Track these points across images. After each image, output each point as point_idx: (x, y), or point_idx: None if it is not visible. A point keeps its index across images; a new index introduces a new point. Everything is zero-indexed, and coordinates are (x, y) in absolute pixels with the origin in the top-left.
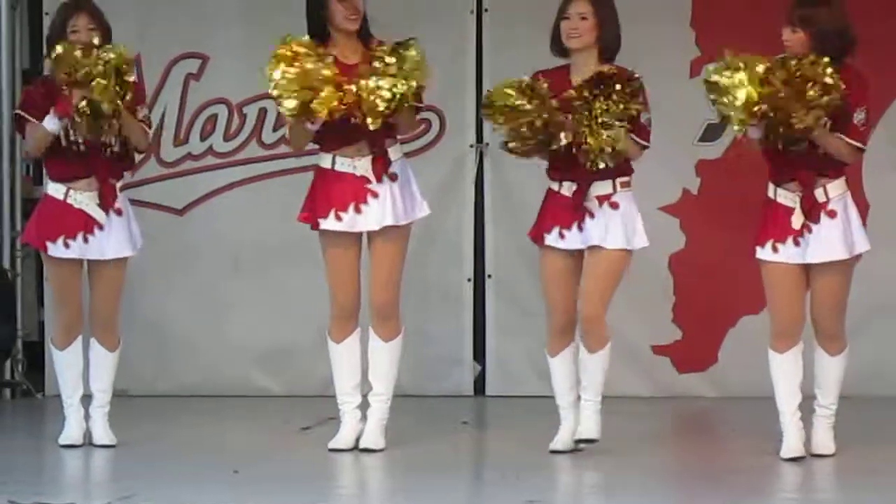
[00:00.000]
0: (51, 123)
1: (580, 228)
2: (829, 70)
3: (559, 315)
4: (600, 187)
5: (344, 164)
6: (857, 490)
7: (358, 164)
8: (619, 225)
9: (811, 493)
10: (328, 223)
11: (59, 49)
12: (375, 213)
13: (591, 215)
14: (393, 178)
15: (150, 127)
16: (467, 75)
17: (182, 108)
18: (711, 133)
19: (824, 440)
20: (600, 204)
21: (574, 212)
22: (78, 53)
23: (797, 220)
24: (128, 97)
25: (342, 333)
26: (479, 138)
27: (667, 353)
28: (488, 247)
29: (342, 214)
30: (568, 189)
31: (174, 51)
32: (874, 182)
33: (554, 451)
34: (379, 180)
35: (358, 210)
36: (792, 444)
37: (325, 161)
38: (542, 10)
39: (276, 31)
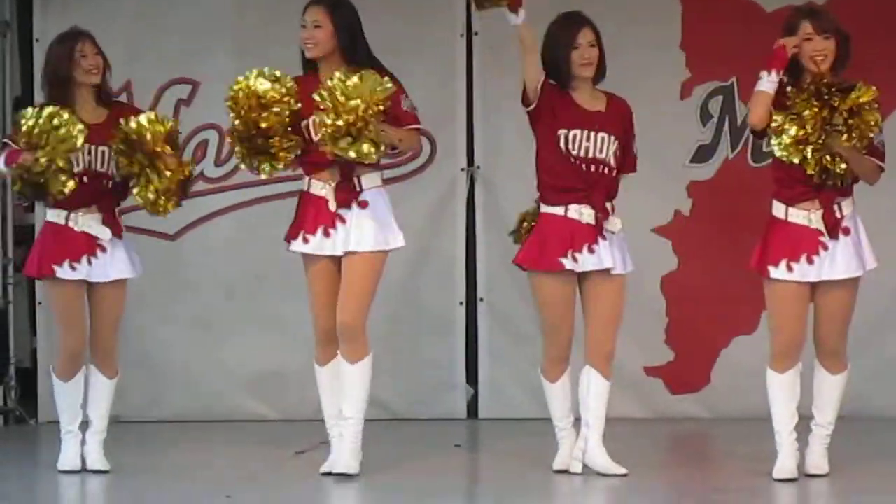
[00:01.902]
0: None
1: (591, 251)
2: (873, 104)
3: (564, 341)
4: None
5: (317, 188)
6: None
7: (328, 188)
8: (618, 250)
9: None
10: (296, 245)
11: (27, 112)
12: (341, 239)
13: (604, 238)
14: (362, 205)
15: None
16: (458, 99)
17: None
18: (703, 154)
19: (819, 461)
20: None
21: (585, 235)
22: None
23: (825, 238)
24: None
25: (326, 357)
26: (471, 162)
27: (659, 375)
28: (480, 270)
29: (309, 237)
30: (576, 212)
31: (165, 76)
32: (863, 201)
33: (558, 472)
34: (342, 206)
35: (326, 234)
36: (786, 465)
37: (304, 184)
38: None
39: (266, 58)
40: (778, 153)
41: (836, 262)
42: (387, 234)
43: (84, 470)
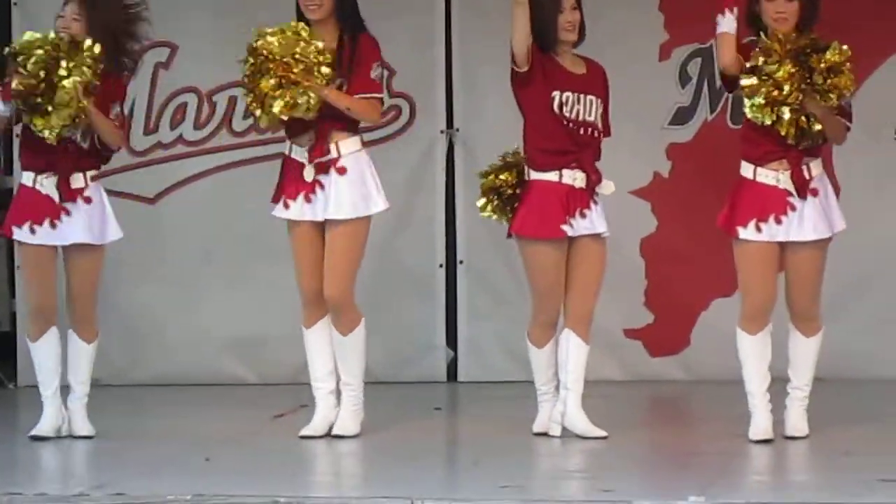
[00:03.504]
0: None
1: (583, 216)
2: (848, 63)
3: (555, 306)
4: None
5: (297, 153)
6: (829, 471)
7: (306, 154)
8: (600, 213)
9: (783, 474)
10: (278, 210)
11: (24, 36)
12: (321, 205)
13: (596, 203)
14: (340, 171)
15: (122, 125)
16: (437, 62)
17: (151, 97)
18: (682, 116)
19: (798, 422)
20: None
21: (578, 200)
22: (37, 44)
23: (793, 199)
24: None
25: (311, 319)
26: (450, 124)
27: (639, 337)
28: (460, 233)
29: (290, 203)
30: (570, 178)
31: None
32: (844, 166)
33: (538, 434)
34: (320, 172)
35: (307, 199)
36: (761, 426)
37: (286, 148)
38: None
39: (245, 20)
40: (750, 115)
41: (805, 223)
42: (367, 198)
43: (67, 436)
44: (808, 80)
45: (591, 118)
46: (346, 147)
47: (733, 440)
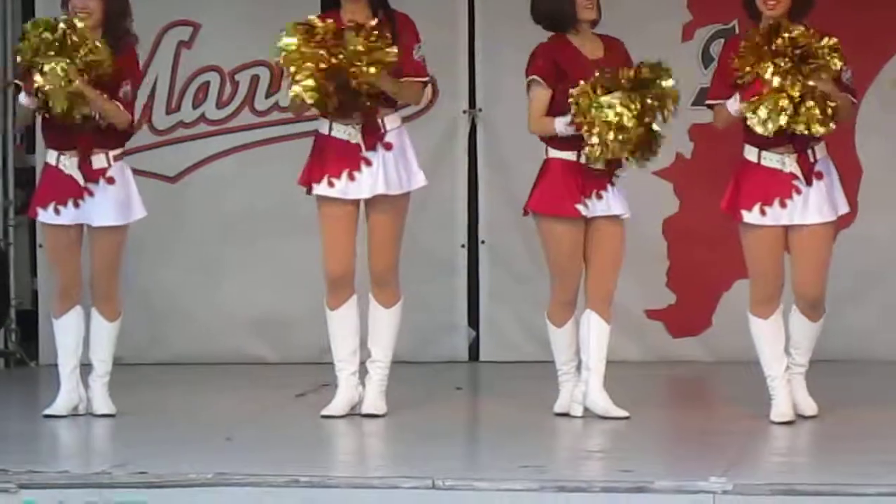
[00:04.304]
0: (23, 98)
1: (599, 197)
2: (836, 52)
3: (573, 285)
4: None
5: (340, 131)
6: (852, 453)
7: (353, 132)
8: (621, 194)
9: (804, 455)
10: (321, 188)
11: (25, 27)
12: (367, 182)
13: (613, 184)
14: (387, 147)
15: (131, 104)
16: (460, 41)
17: (174, 76)
18: (704, 97)
19: (807, 400)
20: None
21: (595, 181)
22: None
23: (799, 182)
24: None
25: (337, 301)
26: (472, 104)
27: (660, 318)
28: (482, 213)
29: (334, 181)
30: (583, 157)
31: (165, 18)
32: (866, 148)
33: (559, 415)
34: (369, 149)
35: (351, 177)
36: (782, 408)
37: (324, 126)
38: None
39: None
40: (760, 130)
41: (809, 206)
42: (410, 174)
43: (75, 415)
44: (795, 68)
45: None
46: (391, 123)
47: (755, 421)
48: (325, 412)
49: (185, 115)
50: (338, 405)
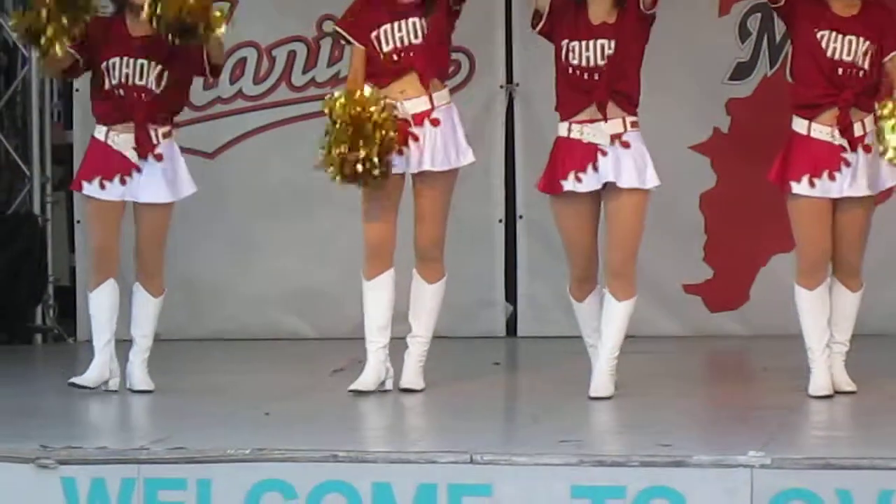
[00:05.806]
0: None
1: (595, 168)
2: None
3: (584, 261)
4: (612, 126)
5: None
6: (891, 426)
7: (400, 107)
8: (631, 165)
9: (843, 430)
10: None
11: None
12: (415, 157)
13: (604, 153)
14: (434, 123)
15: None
16: (497, 15)
17: None
18: (741, 71)
19: (845, 377)
20: (612, 142)
21: (587, 153)
22: None
23: (847, 154)
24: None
25: (373, 272)
26: (510, 79)
27: (698, 293)
28: (519, 187)
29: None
30: (578, 132)
31: None
32: None
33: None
34: (416, 125)
35: (399, 152)
36: (821, 382)
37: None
38: None
39: None
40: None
41: (858, 179)
42: (459, 150)
43: (105, 390)
44: None
45: (602, 63)
46: (439, 98)
47: (793, 395)
48: (353, 387)
49: (223, 90)
50: (366, 380)
